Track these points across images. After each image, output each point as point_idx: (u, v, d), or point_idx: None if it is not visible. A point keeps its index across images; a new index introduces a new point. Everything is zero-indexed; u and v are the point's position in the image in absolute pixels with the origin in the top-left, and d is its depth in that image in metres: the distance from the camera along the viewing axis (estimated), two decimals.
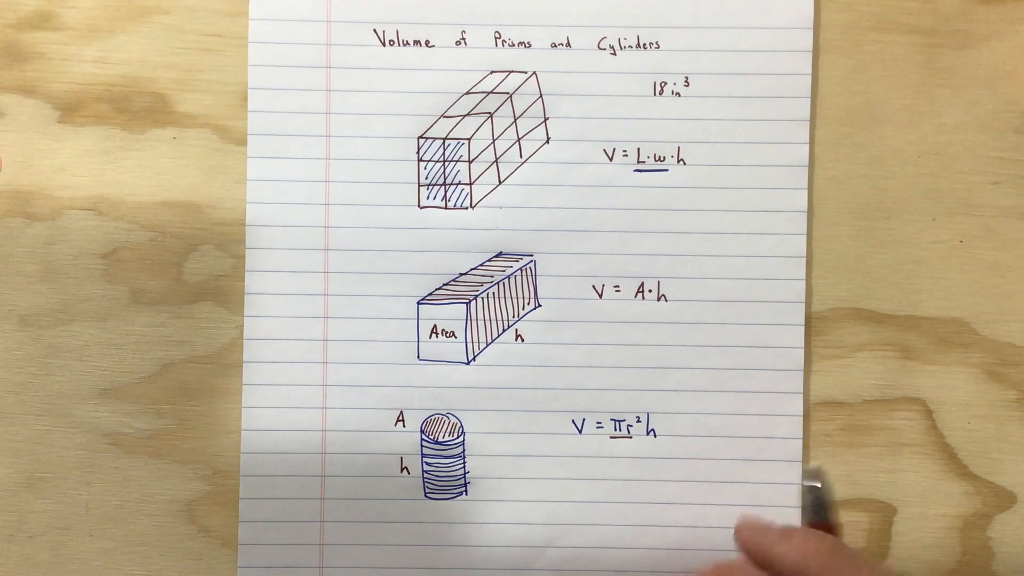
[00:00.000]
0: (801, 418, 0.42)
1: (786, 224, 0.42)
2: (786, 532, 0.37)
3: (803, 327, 0.42)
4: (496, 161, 0.42)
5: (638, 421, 0.42)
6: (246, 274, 0.42)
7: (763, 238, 0.42)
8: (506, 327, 0.42)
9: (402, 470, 0.42)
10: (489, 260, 0.42)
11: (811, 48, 0.42)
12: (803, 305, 0.42)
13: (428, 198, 0.42)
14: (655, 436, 0.42)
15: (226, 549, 0.42)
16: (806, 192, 0.42)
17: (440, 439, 0.42)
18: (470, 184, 0.42)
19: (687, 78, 0.42)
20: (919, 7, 0.43)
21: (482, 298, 0.42)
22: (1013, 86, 0.43)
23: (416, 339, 0.42)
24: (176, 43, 0.42)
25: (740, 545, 0.37)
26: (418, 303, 0.42)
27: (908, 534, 0.43)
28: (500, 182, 0.42)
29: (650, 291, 0.42)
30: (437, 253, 0.42)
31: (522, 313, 0.42)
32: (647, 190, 0.42)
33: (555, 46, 0.42)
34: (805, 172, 0.42)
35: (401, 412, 0.42)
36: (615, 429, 0.42)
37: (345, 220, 0.42)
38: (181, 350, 0.42)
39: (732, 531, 0.38)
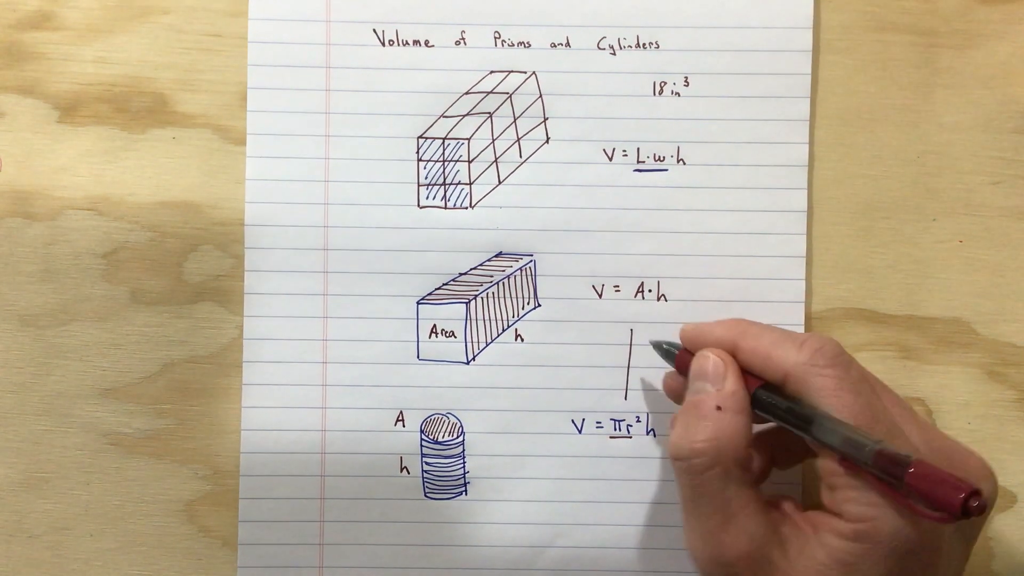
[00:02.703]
0: None
1: (786, 224, 0.42)
2: (790, 334, 0.35)
3: (803, 327, 0.42)
4: (496, 161, 0.42)
5: (638, 421, 0.42)
6: (245, 274, 0.42)
7: (763, 238, 0.42)
8: (506, 327, 0.42)
9: (402, 470, 0.42)
10: (489, 260, 0.42)
11: (811, 48, 0.42)
12: (803, 305, 0.42)
13: (428, 198, 0.42)
14: (655, 436, 0.42)
15: (226, 549, 0.42)
16: (806, 192, 0.42)
17: (440, 439, 0.42)
18: (470, 184, 0.42)
19: (687, 78, 0.42)
20: (919, 7, 0.43)
21: (482, 298, 0.42)
22: (1013, 86, 0.43)
23: (416, 339, 0.42)
24: (176, 43, 0.42)
25: (733, 347, 0.36)
26: (418, 303, 0.42)
27: None
28: (500, 182, 0.42)
29: (650, 291, 0.42)
30: (437, 253, 0.42)
31: (522, 313, 0.42)
32: (647, 190, 0.42)
33: (555, 46, 0.42)
34: (805, 172, 0.42)
35: (401, 412, 0.42)
36: (615, 429, 0.42)
37: (345, 220, 0.42)
38: (181, 350, 0.42)
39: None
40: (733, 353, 0.36)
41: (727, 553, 0.33)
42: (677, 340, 0.39)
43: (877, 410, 0.33)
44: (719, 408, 0.34)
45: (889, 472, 0.30)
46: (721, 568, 0.33)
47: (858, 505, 0.32)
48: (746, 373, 0.36)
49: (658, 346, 0.40)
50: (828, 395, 0.33)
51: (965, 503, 0.29)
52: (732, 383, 0.35)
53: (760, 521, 0.33)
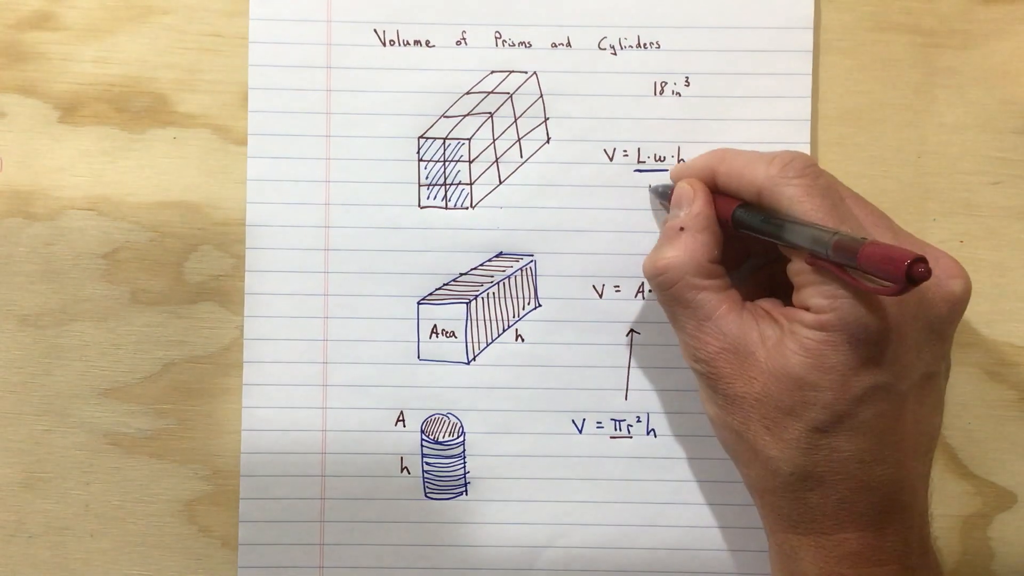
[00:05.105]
0: None
1: None
2: (762, 154, 0.37)
3: None
4: (496, 161, 0.42)
5: (638, 421, 0.42)
6: (246, 274, 0.42)
7: None
8: (506, 327, 0.42)
9: (402, 470, 0.42)
10: (489, 260, 0.42)
11: (811, 48, 0.42)
12: None
13: (428, 198, 0.42)
14: (655, 436, 0.42)
15: (226, 549, 0.42)
16: None
17: (440, 439, 0.42)
18: (470, 184, 0.42)
19: (687, 78, 0.42)
20: (919, 7, 0.43)
21: (482, 298, 0.42)
22: (1013, 86, 0.43)
23: (416, 339, 0.42)
24: (176, 43, 0.42)
25: (714, 174, 0.38)
26: (418, 303, 0.42)
27: None
28: (500, 182, 0.42)
29: (650, 291, 0.42)
30: (437, 253, 0.42)
31: (522, 313, 0.42)
32: (647, 190, 0.42)
33: (555, 46, 0.42)
34: None
35: (401, 412, 0.42)
36: (615, 429, 0.42)
37: (345, 220, 0.42)
38: (181, 350, 0.42)
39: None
40: (713, 179, 0.39)
41: (704, 350, 0.37)
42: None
43: (843, 212, 0.35)
44: (682, 229, 0.37)
45: (847, 257, 0.32)
46: (703, 364, 0.37)
47: (822, 297, 0.34)
48: (727, 196, 0.38)
49: (655, 190, 0.42)
50: (797, 202, 0.35)
51: (910, 270, 0.30)
52: (697, 205, 0.38)
53: (732, 320, 0.36)
